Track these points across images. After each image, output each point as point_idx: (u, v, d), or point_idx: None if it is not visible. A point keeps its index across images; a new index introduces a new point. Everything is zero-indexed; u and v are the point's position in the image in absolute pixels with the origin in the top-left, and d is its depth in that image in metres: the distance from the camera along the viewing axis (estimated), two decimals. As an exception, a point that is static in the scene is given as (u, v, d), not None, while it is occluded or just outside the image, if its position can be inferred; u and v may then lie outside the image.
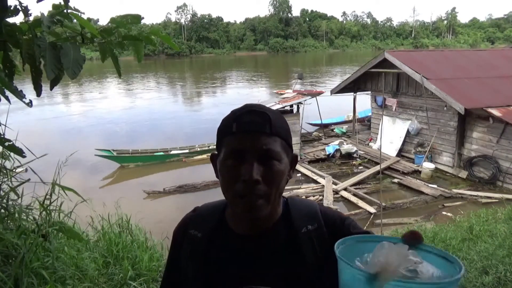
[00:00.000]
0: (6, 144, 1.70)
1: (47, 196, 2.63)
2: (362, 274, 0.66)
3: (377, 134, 10.73)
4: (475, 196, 7.93)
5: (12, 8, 1.27)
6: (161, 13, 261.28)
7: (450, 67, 10.41)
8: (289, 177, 0.92)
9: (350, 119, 14.58)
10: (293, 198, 1.00)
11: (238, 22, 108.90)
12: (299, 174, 9.64)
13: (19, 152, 1.72)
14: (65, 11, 1.35)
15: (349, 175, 9.44)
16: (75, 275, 2.53)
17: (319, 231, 0.91)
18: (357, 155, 10.77)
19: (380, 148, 7.53)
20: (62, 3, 1.34)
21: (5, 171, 2.42)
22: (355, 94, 12.78)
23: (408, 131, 10.43)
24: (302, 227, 0.92)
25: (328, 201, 7.75)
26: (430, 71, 9.66)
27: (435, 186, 8.52)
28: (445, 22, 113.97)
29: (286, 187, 0.92)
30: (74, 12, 1.36)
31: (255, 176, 0.81)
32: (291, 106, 11.10)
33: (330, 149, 10.83)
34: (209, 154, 0.96)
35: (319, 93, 12.91)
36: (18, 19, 1.34)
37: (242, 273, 0.89)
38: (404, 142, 10.60)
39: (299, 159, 10.40)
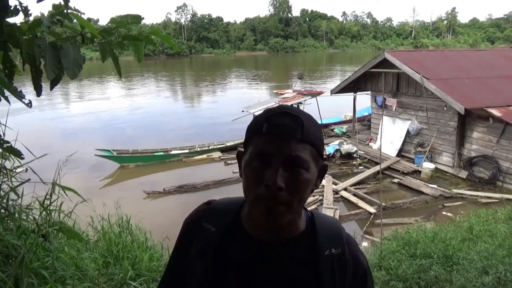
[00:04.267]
0: (5, 146, 1.70)
1: (47, 196, 2.62)
2: None
3: (377, 134, 10.72)
4: (475, 196, 7.93)
5: (12, 8, 1.27)
6: (161, 13, 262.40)
7: (450, 67, 10.40)
8: (315, 186, 0.87)
9: (348, 119, 14.57)
10: (318, 214, 0.95)
11: (238, 22, 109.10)
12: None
13: (18, 154, 1.72)
14: (65, 11, 1.35)
15: (349, 175, 9.44)
16: (75, 275, 2.53)
17: (342, 257, 0.88)
18: (357, 155, 10.76)
19: (380, 148, 7.52)
20: (62, 3, 1.34)
21: (5, 171, 2.42)
22: (355, 94, 12.77)
23: (408, 131, 10.43)
24: (326, 249, 0.88)
25: (328, 201, 7.74)
26: (430, 71, 9.65)
27: (435, 186, 8.51)
28: (445, 22, 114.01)
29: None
30: (74, 12, 1.36)
31: (279, 183, 0.77)
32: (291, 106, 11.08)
33: (330, 149, 10.82)
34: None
35: (319, 93, 12.90)
36: (18, 19, 1.34)
37: (253, 279, 0.86)
38: (404, 142, 10.60)
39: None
